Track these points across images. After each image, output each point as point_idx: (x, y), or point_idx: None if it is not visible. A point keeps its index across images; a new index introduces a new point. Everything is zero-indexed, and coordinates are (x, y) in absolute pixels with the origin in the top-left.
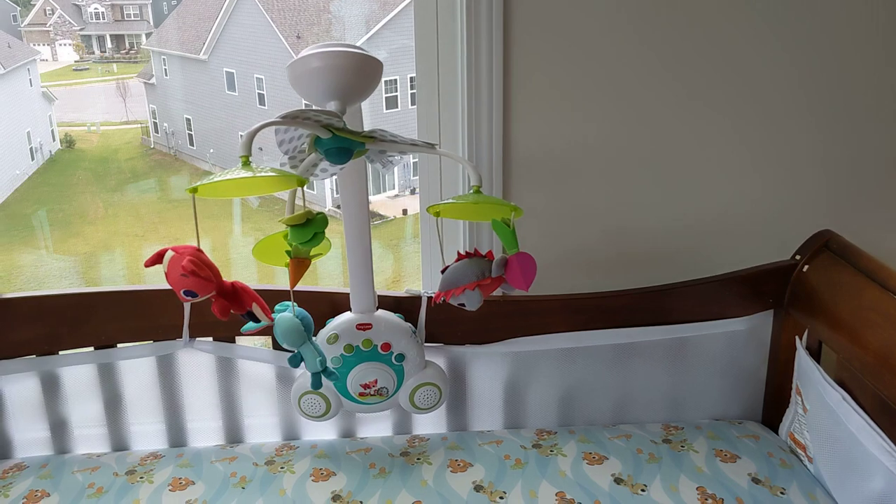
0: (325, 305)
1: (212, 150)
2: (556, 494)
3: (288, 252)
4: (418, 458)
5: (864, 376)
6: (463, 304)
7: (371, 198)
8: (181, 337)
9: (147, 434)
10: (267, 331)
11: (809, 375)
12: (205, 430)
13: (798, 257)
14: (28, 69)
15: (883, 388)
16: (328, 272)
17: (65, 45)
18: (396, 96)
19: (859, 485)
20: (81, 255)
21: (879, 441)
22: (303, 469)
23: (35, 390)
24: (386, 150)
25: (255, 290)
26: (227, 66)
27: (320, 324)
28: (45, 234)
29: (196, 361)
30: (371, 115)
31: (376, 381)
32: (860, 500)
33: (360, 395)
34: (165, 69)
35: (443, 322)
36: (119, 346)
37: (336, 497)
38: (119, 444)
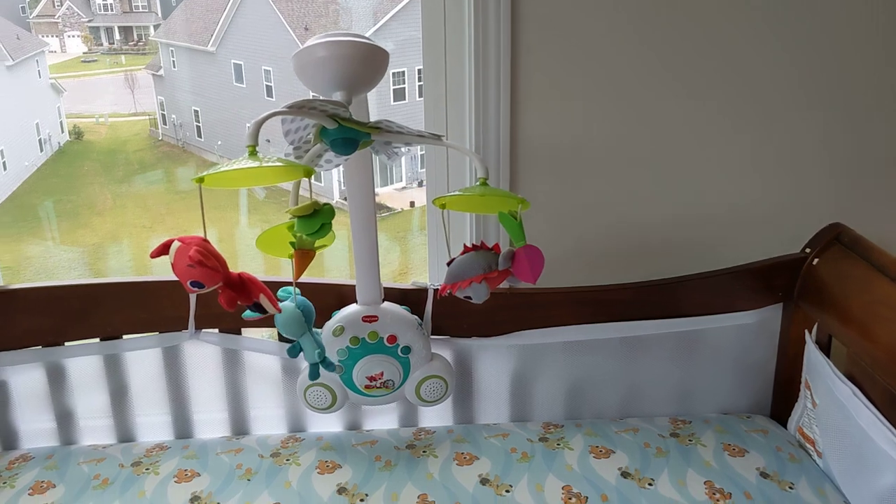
0: (331, 297)
1: (219, 142)
2: (562, 488)
3: (292, 243)
4: (424, 451)
5: (874, 371)
6: (469, 297)
7: (378, 190)
8: (187, 328)
9: (153, 426)
10: (269, 320)
11: (819, 370)
12: (210, 422)
13: (808, 250)
14: (37, 60)
15: (893, 383)
16: (335, 264)
17: (73, 36)
18: (404, 88)
19: (869, 480)
20: (90, 246)
21: (889, 436)
22: (308, 461)
23: (41, 381)
24: (391, 142)
25: (262, 281)
26: (234, 57)
27: (326, 316)
28: (54, 225)
29: (202, 353)
30: (378, 106)
31: (382, 374)
32: (870, 496)
33: (366, 387)
34: (173, 61)
35: (449, 314)
36: (125, 337)
37: (341, 489)
38: (125, 435)
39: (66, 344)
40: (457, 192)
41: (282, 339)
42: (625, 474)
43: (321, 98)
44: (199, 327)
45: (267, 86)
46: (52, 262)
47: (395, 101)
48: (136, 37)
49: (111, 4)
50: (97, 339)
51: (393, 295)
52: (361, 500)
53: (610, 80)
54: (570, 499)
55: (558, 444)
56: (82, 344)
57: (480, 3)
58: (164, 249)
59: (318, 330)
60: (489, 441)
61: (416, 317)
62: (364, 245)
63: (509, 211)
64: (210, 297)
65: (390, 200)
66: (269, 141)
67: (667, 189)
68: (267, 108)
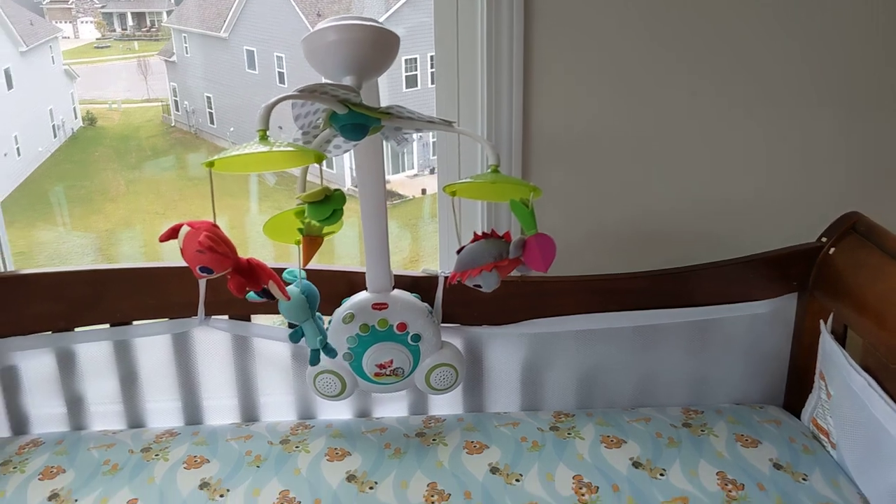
0: (341, 284)
1: (232, 129)
2: (573, 478)
3: (300, 230)
4: (434, 439)
5: (890, 362)
6: (479, 286)
7: (390, 177)
8: (197, 315)
9: (163, 412)
10: (275, 305)
11: (834, 360)
12: (220, 409)
13: (824, 239)
14: (50, 46)
15: None
16: (346, 251)
17: (86, 22)
18: (416, 75)
19: (883, 472)
20: (103, 231)
21: None
22: (318, 448)
23: (51, 366)
24: (402, 128)
25: (271, 267)
26: (247, 44)
27: (336, 303)
28: (67, 210)
29: (211, 339)
30: (390, 93)
31: (392, 362)
32: (884, 488)
33: (376, 375)
34: (186, 47)
35: (460, 302)
36: (135, 323)
37: (351, 477)
38: (135, 421)
39: (77, 330)
40: (467, 180)
41: (291, 325)
42: (636, 464)
43: (332, 82)
44: (208, 314)
45: (279, 72)
46: (65, 247)
47: (407, 87)
48: (148, 23)
49: None
50: (107, 325)
51: (403, 282)
52: (371, 488)
53: (623, 68)
54: (580, 488)
55: (569, 434)
56: (92, 330)
57: None
58: (173, 233)
59: (322, 316)
60: (499, 430)
61: (426, 304)
62: (374, 232)
63: (521, 199)
64: (220, 284)
65: (402, 188)
66: (281, 128)
67: (679, 178)
68: (279, 95)
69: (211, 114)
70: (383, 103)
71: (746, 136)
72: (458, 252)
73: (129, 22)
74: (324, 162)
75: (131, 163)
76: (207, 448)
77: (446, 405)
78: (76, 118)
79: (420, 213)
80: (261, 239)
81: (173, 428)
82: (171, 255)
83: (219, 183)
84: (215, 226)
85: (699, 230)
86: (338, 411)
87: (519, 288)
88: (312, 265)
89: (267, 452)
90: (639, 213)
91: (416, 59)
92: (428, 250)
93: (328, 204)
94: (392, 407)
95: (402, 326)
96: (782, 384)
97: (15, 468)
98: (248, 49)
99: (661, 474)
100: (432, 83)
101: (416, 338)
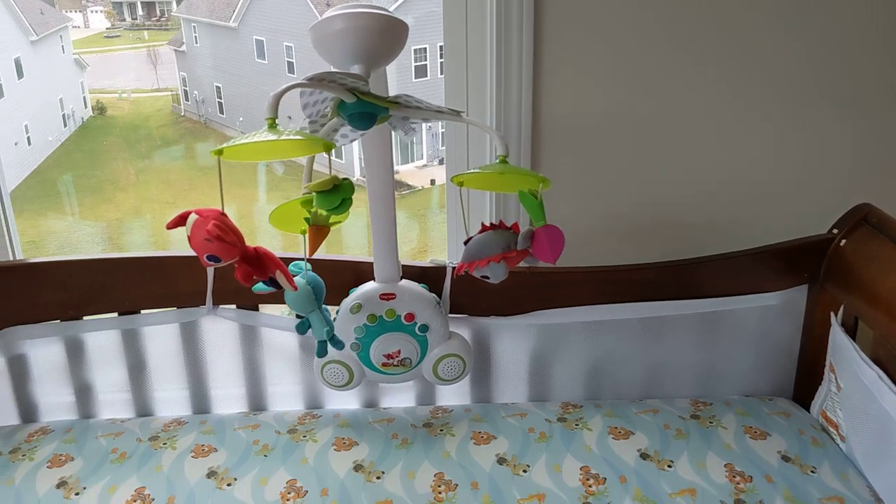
0: (348, 274)
1: (241, 119)
2: (580, 469)
3: (306, 219)
4: (441, 430)
5: None
6: (486, 277)
7: (399, 167)
8: (204, 304)
9: (171, 400)
10: (278, 296)
11: (844, 352)
12: (228, 398)
13: (835, 231)
14: (60, 36)
15: None
16: (354, 241)
17: (96, 11)
18: (426, 65)
19: (893, 465)
20: (112, 221)
21: None
22: (325, 438)
23: (60, 355)
24: (409, 117)
25: (279, 257)
26: (256, 34)
27: (343, 293)
28: (77, 200)
29: (219, 329)
30: (400, 83)
31: (399, 352)
32: (893, 480)
33: (384, 365)
34: (195, 37)
35: (468, 293)
36: (143, 312)
37: (358, 467)
38: (143, 409)
39: (85, 318)
40: (476, 170)
41: (298, 317)
42: (644, 456)
43: (341, 71)
44: (216, 303)
45: (288, 62)
46: (75, 236)
47: (416, 77)
48: (158, 12)
49: None
50: (115, 314)
51: (411, 273)
52: (378, 478)
53: (633, 58)
54: (588, 479)
55: (577, 425)
56: (101, 318)
57: None
58: (180, 221)
59: (328, 307)
60: (507, 420)
61: (434, 295)
62: (382, 222)
63: (529, 190)
64: (227, 273)
65: (411, 178)
66: (290, 118)
67: (688, 169)
68: (288, 83)
69: (220, 103)
70: (392, 93)
71: (755, 125)
72: (466, 243)
73: (139, 11)
74: (332, 152)
75: (141, 152)
76: (215, 437)
77: (454, 396)
78: (86, 107)
79: (429, 204)
80: (270, 229)
81: (181, 417)
82: (179, 245)
83: (227, 173)
84: (223, 214)
85: (708, 220)
86: (345, 401)
87: (527, 279)
88: (320, 255)
89: (274, 442)
90: (648, 203)
91: (425, 48)
92: (436, 241)
93: (337, 193)
94: (399, 397)
95: (410, 317)
96: (792, 376)
97: (24, 456)
98: (258, 39)
99: (669, 466)
100: (442, 73)
101: (424, 328)
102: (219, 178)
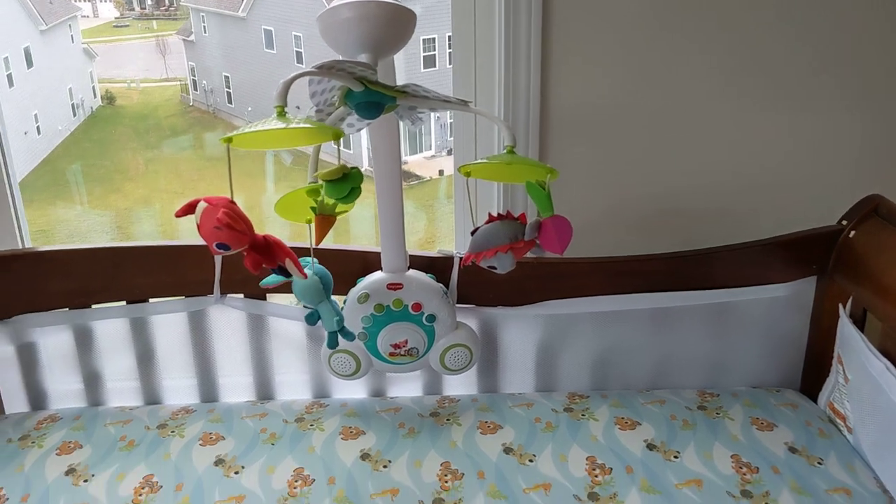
0: (356, 264)
1: (250, 108)
2: (586, 459)
3: (313, 208)
4: (448, 419)
5: None
6: (494, 267)
7: (407, 158)
8: (212, 293)
9: (179, 389)
10: (286, 287)
11: (852, 344)
12: (236, 386)
13: (844, 222)
14: (69, 25)
15: None
16: (362, 231)
17: (105, 1)
18: (434, 55)
19: None
20: (121, 210)
21: None
22: (332, 427)
23: (69, 343)
24: (416, 107)
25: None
26: (265, 23)
27: (351, 283)
28: (86, 189)
29: (227, 318)
30: (408, 74)
31: (406, 342)
32: None
33: (391, 354)
34: (204, 26)
35: (475, 283)
36: (151, 300)
37: (365, 455)
38: (151, 398)
39: (94, 307)
40: (482, 160)
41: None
42: (650, 446)
43: (350, 60)
44: (224, 292)
45: (297, 52)
46: (84, 226)
47: (425, 68)
48: (167, 2)
49: None
50: (124, 303)
51: (419, 263)
52: (384, 467)
53: (642, 48)
54: (594, 470)
55: (583, 415)
56: (109, 307)
57: None
58: (189, 209)
59: (336, 299)
60: (513, 410)
61: (441, 285)
62: (390, 212)
63: (537, 180)
64: (235, 262)
65: (419, 169)
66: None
67: (698, 160)
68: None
69: (229, 93)
70: (399, 82)
71: (763, 116)
72: (473, 233)
73: (148, 1)
74: (341, 141)
75: (150, 142)
76: (223, 425)
77: (461, 385)
78: (95, 97)
79: (437, 195)
80: (278, 219)
81: (189, 405)
82: (187, 234)
83: (236, 163)
84: (232, 202)
85: (716, 211)
86: (352, 390)
87: (534, 269)
88: (328, 245)
89: (282, 430)
90: (656, 194)
91: (434, 39)
92: (444, 232)
93: (346, 182)
94: (406, 387)
95: (417, 307)
96: (799, 368)
97: (33, 443)
98: (266, 28)
99: (676, 457)
100: (450, 63)
101: (431, 318)
102: (228, 166)
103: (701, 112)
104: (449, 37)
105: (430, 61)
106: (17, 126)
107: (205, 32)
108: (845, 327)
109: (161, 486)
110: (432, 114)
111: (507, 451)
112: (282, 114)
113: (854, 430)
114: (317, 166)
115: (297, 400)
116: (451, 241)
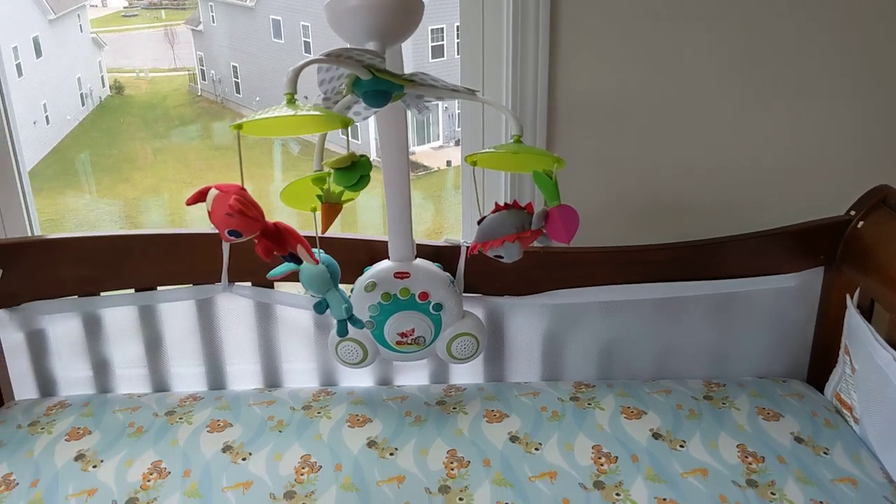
0: (363, 253)
1: (258, 98)
2: (592, 448)
3: (319, 196)
4: (454, 408)
5: None
6: (500, 257)
7: (415, 148)
8: (220, 281)
9: (187, 376)
10: (293, 276)
11: (860, 335)
12: (243, 374)
13: (853, 213)
14: (78, 15)
15: None
16: (369, 220)
17: None
18: (443, 45)
19: None
20: (130, 199)
21: None
22: (339, 415)
23: (78, 330)
24: (423, 95)
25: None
26: (273, 13)
27: (358, 271)
28: (95, 179)
29: (235, 306)
30: (416, 63)
31: (413, 330)
32: None
33: (398, 343)
34: (213, 16)
35: (482, 272)
36: (159, 288)
37: (371, 443)
38: (159, 385)
39: (103, 294)
40: (489, 150)
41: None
42: (656, 435)
43: (358, 48)
44: (232, 281)
45: (305, 41)
46: (93, 214)
47: (433, 58)
48: None
49: None
50: (132, 290)
51: (425, 252)
52: (391, 454)
53: (650, 38)
54: (599, 458)
55: (589, 404)
56: (118, 294)
57: None
58: (200, 196)
59: (344, 288)
60: (519, 399)
61: (448, 274)
62: (397, 201)
63: (544, 170)
64: (243, 251)
65: (427, 159)
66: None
67: (705, 150)
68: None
69: (237, 83)
70: (407, 71)
71: (770, 107)
72: (480, 222)
73: None
74: (349, 130)
75: (158, 131)
76: (230, 413)
77: (467, 374)
78: (104, 87)
79: (444, 185)
80: (285, 209)
81: (197, 392)
82: (196, 223)
83: (248, 153)
84: (243, 189)
85: (724, 201)
86: (359, 379)
87: (541, 259)
88: (335, 233)
89: (289, 418)
90: (663, 184)
91: (442, 28)
92: (452, 222)
93: (355, 170)
94: (413, 375)
95: (424, 295)
96: (806, 358)
97: (43, 429)
98: (274, 18)
99: (681, 446)
100: (458, 53)
101: (438, 307)
102: (238, 153)
103: (708, 103)
104: (457, 26)
105: (438, 51)
106: (26, 115)
107: (213, 22)
108: (853, 318)
109: (169, 473)
110: (440, 104)
111: (513, 439)
112: (291, 101)
113: (860, 421)
114: (322, 155)
115: (305, 388)
116: (458, 232)
